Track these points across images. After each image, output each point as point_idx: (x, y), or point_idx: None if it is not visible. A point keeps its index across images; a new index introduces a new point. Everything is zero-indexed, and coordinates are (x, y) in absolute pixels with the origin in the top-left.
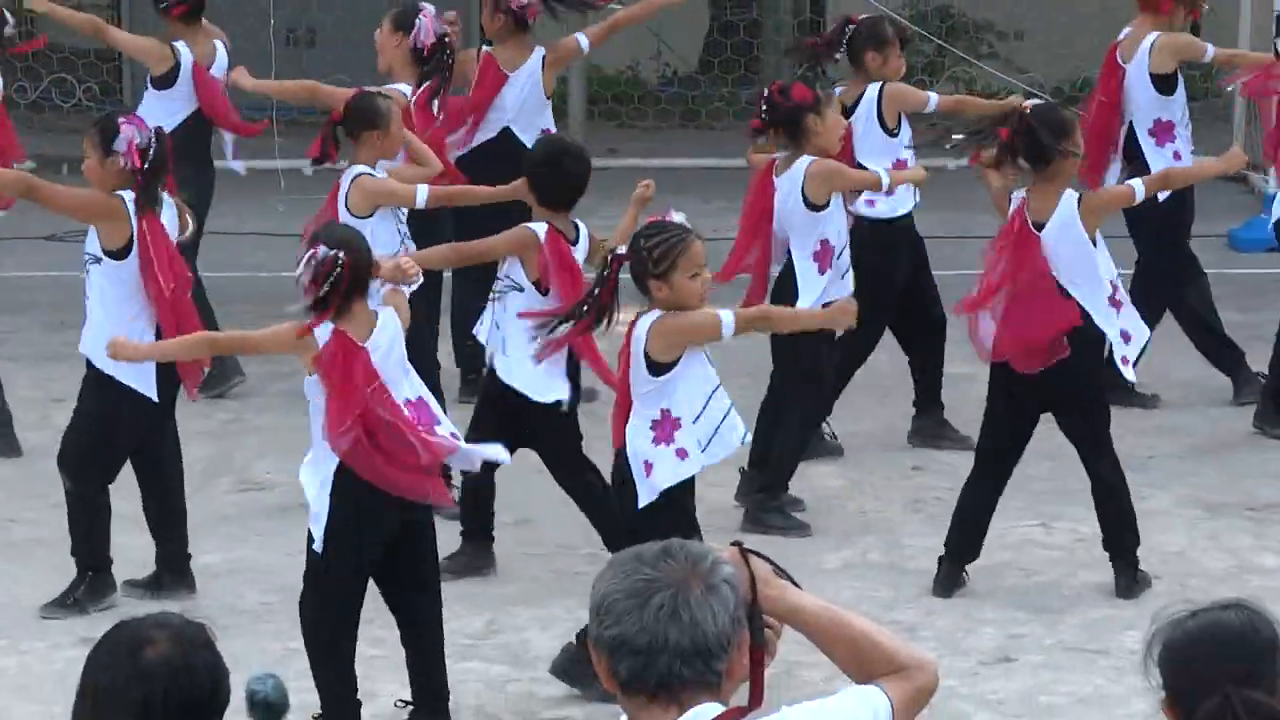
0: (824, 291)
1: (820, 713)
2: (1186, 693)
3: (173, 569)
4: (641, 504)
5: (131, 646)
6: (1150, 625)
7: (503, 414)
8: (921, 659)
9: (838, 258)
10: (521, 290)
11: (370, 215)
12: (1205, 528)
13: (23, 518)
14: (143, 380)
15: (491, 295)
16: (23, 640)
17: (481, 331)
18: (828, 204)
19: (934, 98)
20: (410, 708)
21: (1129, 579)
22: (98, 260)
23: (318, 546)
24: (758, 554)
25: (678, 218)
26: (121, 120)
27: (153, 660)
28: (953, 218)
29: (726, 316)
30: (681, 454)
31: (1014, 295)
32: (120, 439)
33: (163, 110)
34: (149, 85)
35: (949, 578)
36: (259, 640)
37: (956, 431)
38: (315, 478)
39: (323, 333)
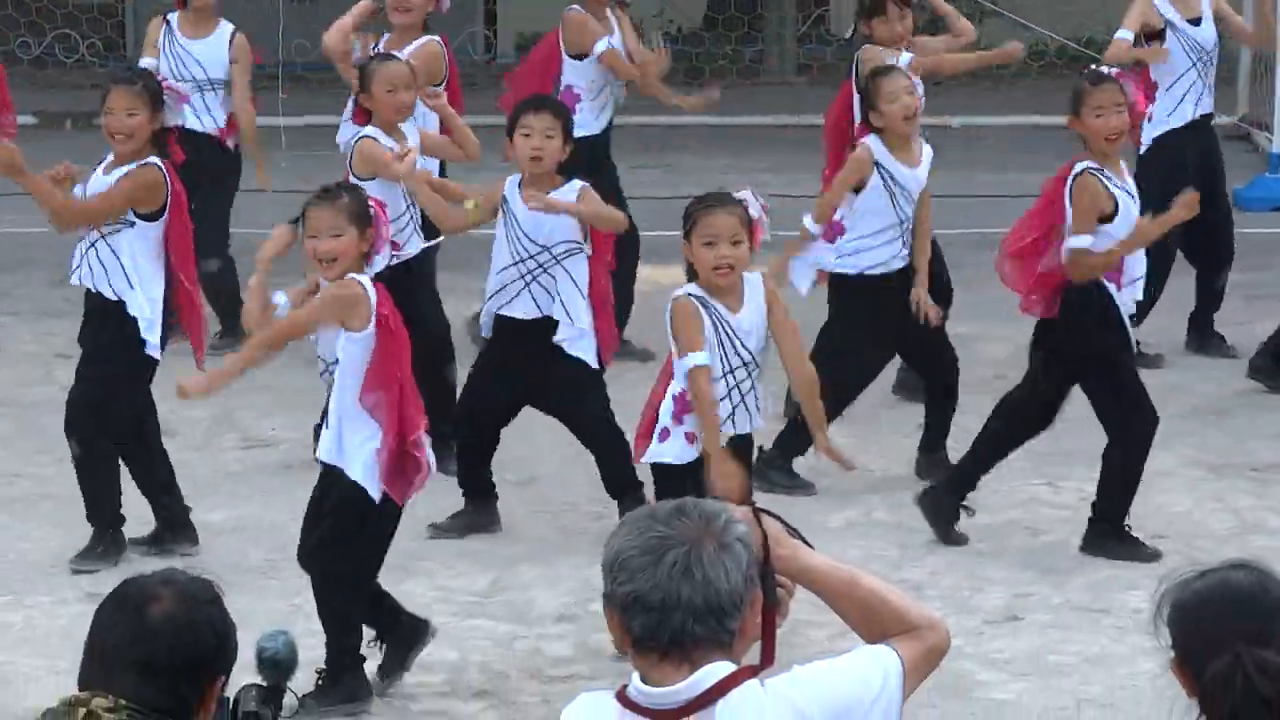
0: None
1: (831, 672)
2: (1196, 652)
3: (173, 526)
4: (637, 461)
5: (137, 603)
6: (1159, 586)
7: (527, 354)
8: (933, 619)
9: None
10: (583, 250)
11: (370, 178)
12: (1209, 488)
13: (26, 473)
14: (151, 333)
15: (536, 268)
16: (28, 595)
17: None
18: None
19: (904, 59)
20: (381, 643)
21: (1098, 539)
22: (131, 224)
23: (376, 495)
24: (770, 513)
25: (741, 195)
26: (164, 83)
27: (158, 617)
28: (956, 178)
29: (697, 359)
30: (690, 438)
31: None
32: (130, 398)
33: None
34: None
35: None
36: (264, 598)
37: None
38: (364, 431)
39: (368, 286)
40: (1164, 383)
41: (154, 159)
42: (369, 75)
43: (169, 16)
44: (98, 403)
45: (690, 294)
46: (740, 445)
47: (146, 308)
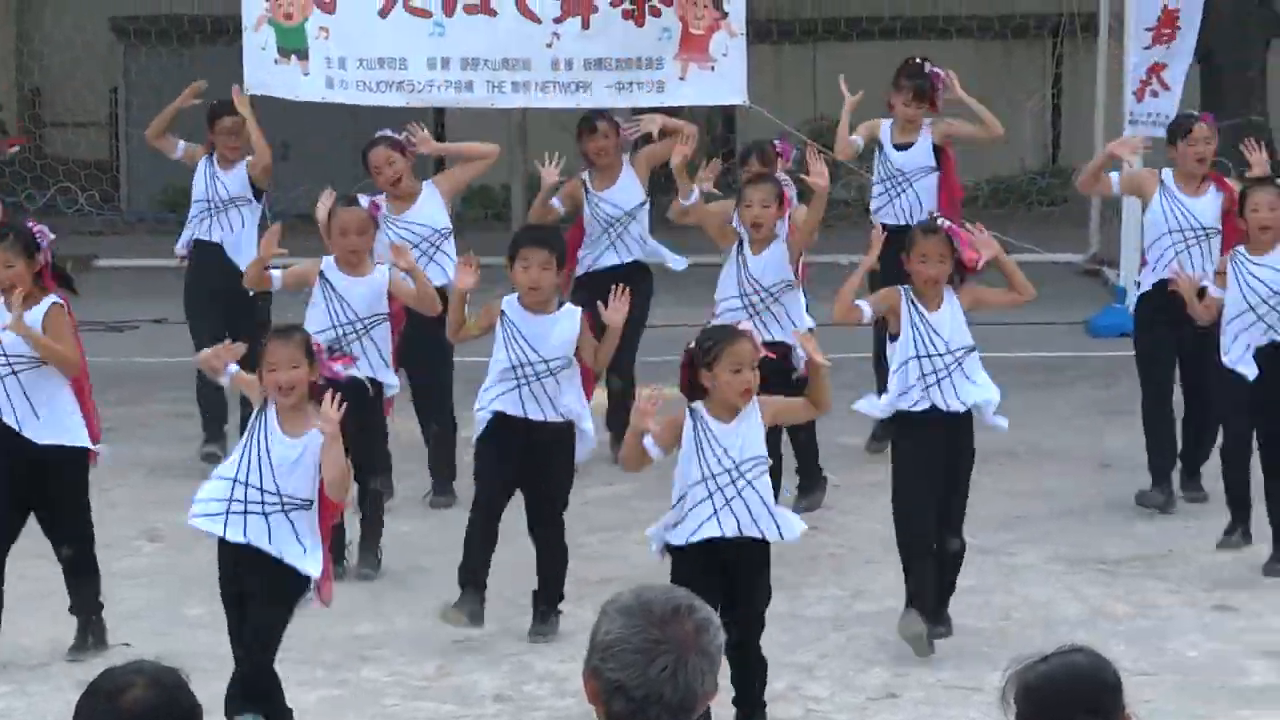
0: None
1: None
2: None
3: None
4: None
5: (111, 692)
6: (1006, 668)
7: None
8: None
9: None
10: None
11: None
12: (1065, 580)
13: (29, 574)
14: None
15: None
16: (29, 684)
17: None
18: None
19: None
20: None
21: None
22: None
23: None
24: None
25: (745, 327)
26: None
27: (130, 703)
28: None
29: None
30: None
31: None
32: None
33: None
34: None
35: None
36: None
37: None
38: None
39: None
40: (1030, 488)
41: None
42: None
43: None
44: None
45: (691, 409)
46: (718, 547)
47: None
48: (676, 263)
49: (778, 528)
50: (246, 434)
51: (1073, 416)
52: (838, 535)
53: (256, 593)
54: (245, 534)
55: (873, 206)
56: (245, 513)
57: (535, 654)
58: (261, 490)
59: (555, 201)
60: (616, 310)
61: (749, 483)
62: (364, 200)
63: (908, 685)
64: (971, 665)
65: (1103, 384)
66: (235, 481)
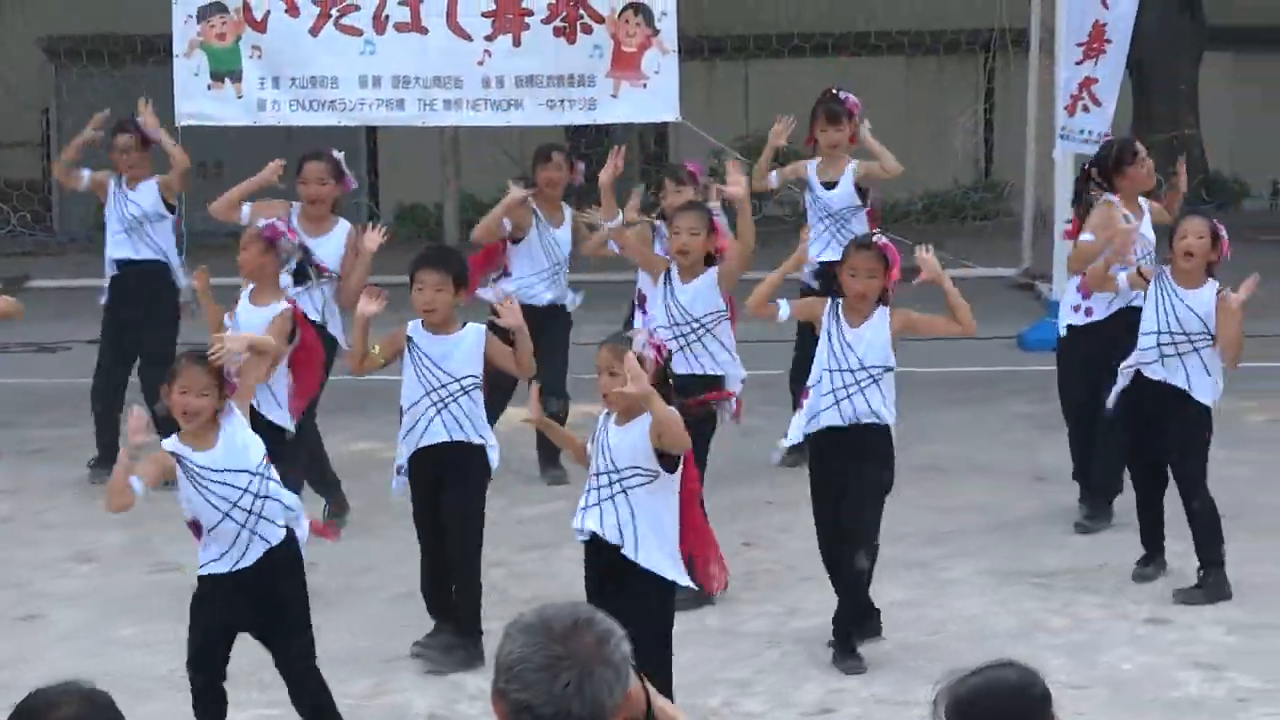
0: None
1: None
2: None
3: None
4: None
5: (40, 711)
6: (937, 682)
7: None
8: None
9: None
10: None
11: None
12: (999, 594)
13: None
14: None
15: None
16: None
17: None
18: None
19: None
20: None
21: None
22: None
23: None
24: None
25: (631, 334)
26: None
27: None
28: None
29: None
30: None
31: None
32: None
33: None
34: None
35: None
36: (171, 704)
37: None
38: None
39: None
40: (964, 502)
41: None
42: None
43: None
44: None
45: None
46: (593, 546)
47: None
48: (572, 301)
49: (636, 548)
50: (188, 499)
51: (1004, 431)
52: (772, 551)
53: (284, 600)
54: (263, 537)
55: (814, 252)
56: (253, 530)
57: (468, 673)
58: (245, 492)
59: (507, 223)
60: (509, 312)
61: (624, 490)
62: (280, 224)
63: (843, 701)
64: (905, 680)
65: (1036, 398)
66: (228, 517)
